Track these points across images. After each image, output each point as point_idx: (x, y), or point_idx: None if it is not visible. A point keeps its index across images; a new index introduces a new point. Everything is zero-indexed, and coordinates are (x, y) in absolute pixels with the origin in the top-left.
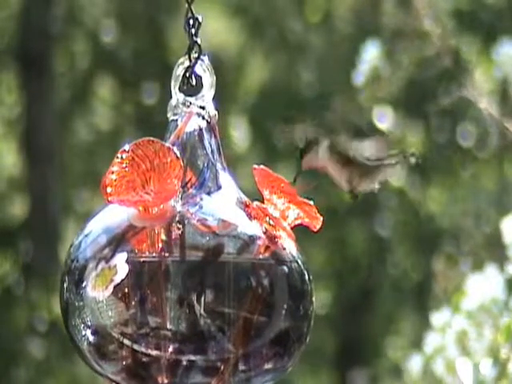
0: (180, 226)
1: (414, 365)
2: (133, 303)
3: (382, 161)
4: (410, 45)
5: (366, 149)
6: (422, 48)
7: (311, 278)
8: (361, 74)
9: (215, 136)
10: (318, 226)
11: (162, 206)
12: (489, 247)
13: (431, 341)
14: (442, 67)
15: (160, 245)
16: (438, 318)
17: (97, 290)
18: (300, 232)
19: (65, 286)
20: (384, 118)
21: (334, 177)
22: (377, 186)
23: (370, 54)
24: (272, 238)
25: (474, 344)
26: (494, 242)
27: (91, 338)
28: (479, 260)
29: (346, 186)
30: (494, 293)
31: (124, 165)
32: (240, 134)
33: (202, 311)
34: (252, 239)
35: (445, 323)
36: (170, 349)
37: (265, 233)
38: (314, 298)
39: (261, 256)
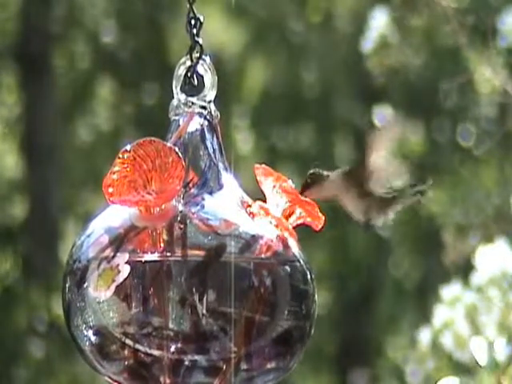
0: (182, 226)
1: (423, 338)
2: (135, 303)
3: (398, 193)
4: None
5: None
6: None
7: (313, 277)
8: (369, 41)
9: (217, 136)
10: (320, 226)
11: (163, 206)
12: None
13: (440, 314)
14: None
15: (162, 245)
16: (447, 291)
17: (99, 290)
18: (300, 232)
19: (67, 286)
20: (384, 118)
21: (347, 207)
22: (390, 217)
23: (379, 21)
24: (274, 238)
25: (484, 319)
26: (503, 214)
27: (93, 339)
28: (489, 233)
29: (362, 218)
30: (503, 267)
31: (125, 165)
32: (241, 135)
33: (204, 311)
34: (254, 239)
35: (454, 297)
36: (172, 349)
37: (267, 232)
38: (316, 298)
39: (263, 256)
